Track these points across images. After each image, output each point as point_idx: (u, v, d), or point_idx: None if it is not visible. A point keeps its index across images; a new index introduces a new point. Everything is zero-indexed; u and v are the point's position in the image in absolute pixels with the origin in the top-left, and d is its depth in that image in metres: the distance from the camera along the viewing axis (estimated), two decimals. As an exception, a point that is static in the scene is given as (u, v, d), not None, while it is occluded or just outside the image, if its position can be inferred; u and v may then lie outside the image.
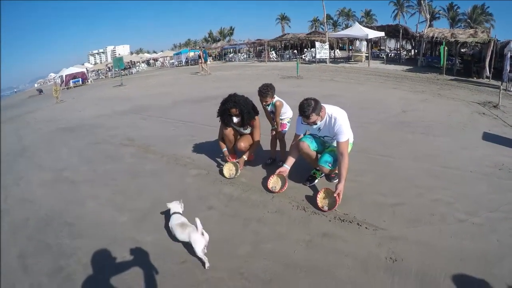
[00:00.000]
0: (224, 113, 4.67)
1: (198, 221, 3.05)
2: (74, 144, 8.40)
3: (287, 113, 4.90)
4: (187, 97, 13.33)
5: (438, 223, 3.37)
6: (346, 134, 3.64)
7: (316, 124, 3.75)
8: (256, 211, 3.87)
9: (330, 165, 3.85)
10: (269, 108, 4.84)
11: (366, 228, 3.32)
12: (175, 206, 3.68)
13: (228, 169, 4.82)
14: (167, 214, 3.89)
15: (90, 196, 4.96)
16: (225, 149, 5.01)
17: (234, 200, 4.21)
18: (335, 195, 3.56)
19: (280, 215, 3.72)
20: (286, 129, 5.00)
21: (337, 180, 3.76)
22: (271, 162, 5.11)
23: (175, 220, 3.41)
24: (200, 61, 26.03)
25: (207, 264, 2.99)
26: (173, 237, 3.43)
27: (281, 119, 4.87)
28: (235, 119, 4.66)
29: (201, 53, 26.27)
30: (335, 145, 3.75)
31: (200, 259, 3.04)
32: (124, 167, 5.98)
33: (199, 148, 6.23)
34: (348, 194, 3.87)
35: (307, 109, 3.57)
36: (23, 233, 4.33)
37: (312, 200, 3.89)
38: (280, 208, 3.86)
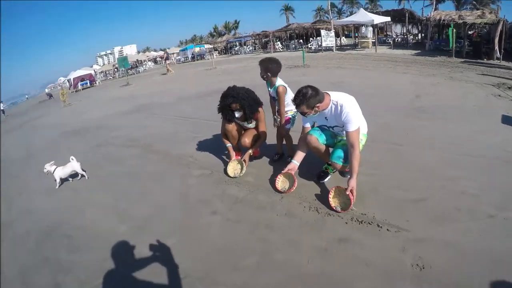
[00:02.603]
0: (224, 109, 4.30)
1: None
2: (78, 147, 8.16)
3: (291, 105, 4.44)
4: (191, 93, 13.01)
5: (466, 219, 2.94)
6: (355, 123, 3.18)
7: (305, 116, 3.35)
8: (264, 214, 3.46)
9: (343, 160, 3.43)
10: (270, 92, 4.39)
11: (387, 230, 2.88)
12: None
13: (233, 167, 4.47)
14: (169, 220, 3.68)
15: (91, 204, 4.69)
16: (229, 145, 4.65)
17: (239, 202, 3.83)
18: (347, 192, 3.15)
19: (291, 219, 3.28)
20: (290, 125, 4.50)
21: (349, 175, 3.33)
22: (278, 157, 4.71)
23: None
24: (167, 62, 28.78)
25: None
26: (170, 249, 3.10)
27: (286, 113, 4.36)
28: (237, 114, 4.30)
29: (166, 54, 27.66)
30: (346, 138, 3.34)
31: None
32: (126, 170, 5.69)
33: (202, 146, 5.90)
34: (364, 190, 3.45)
35: (298, 98, 3.17)
36: (24, 246, 4.10)
37: (325, 199, 3.42)
38: (290, 210, 3.43)
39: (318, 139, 3.57)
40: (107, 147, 7.50)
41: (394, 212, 3.11)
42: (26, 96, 66.22)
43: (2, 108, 34.80)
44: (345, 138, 3.42)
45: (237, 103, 4.17)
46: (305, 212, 3.36)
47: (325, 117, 3.45)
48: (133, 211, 4.16)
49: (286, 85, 4.24)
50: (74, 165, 5.40)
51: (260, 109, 4.37)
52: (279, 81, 4.22)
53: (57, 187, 5.28)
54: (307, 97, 3.14)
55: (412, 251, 2.62)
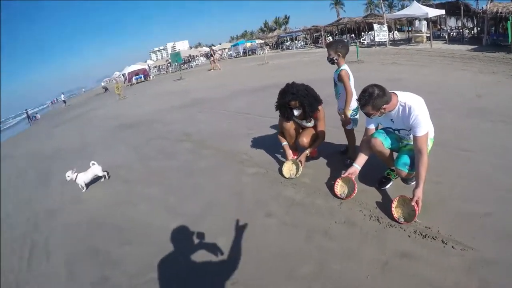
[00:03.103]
0: (283, 106, 4.16)
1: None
2: (132, 140, 8.54)
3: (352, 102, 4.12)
4: (244, 87, 13.07)
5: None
6: (424, 127, 2.91)
7: (370, 117, 3.11)
8: (322, 220, 3.28)
9: (409, 168, 3.15)
10: (334, 76, 4.17)
11: (452, 247, 2.57)
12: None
13: (288, 168, 4.31)
14: (222, 218, 3.60)
15: (143, 197, 4.80)
16: (285, 143, 4.49)
17: (296, 205, 3.66)
18: (413, 203, 2.89)
19: (350, 227, 3.07)
20: (352, 125, 4.24)
21: (414, 183, 3.05)
22: (346, 149, 4.53)
23: None
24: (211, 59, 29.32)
25: None
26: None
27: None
28: (296, 112, 4.13)
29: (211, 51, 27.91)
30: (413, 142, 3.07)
31: None
32: (179, 164, 5.77)
33: (256, 143, 5.79)
34: (428, 201, 3.10)
35: (363, 98, 2.94)
36: (74, 235, 4.30)
37: (386, 208, 3.18)
38: (349, 217, 3.21)
39: (383, 143, 3.31)
40: (160, 141, 7.71)
41: (459, 227, 2.77)
42: (83, 89, 70.74)
43: (63, 98, 38.43)
44: (410, 143, 3.24)
45: (296, 100, 4.02)
46: (365, 221, 3.12)
47: (391, 119, 3.19)
48: (185, 207, 4.17)
49: (349, 71, 4.03)
50: (95, 170, 5.63)
51: (320, 107, 4.17)
52: (344, 66, 4.03)
53: (83, 190, 5.51)
54: (374, 97, 2.90)
55: (479, 273, 2.28)
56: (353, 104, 4.02)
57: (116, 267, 3.33)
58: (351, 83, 3.99)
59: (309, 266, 2.70)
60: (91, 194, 5.42)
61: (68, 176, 5.33)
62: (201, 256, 3.16)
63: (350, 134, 4.31)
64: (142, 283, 3.00)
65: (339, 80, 3.99)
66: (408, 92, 3.13)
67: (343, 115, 4.11)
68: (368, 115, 3.08)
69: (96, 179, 5.71)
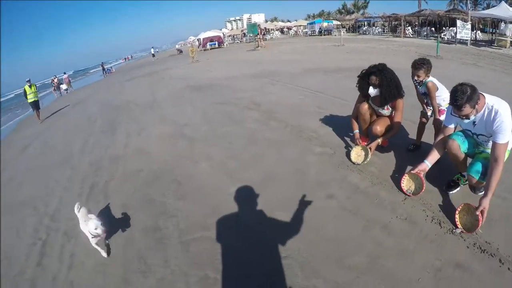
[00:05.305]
0: (363, 78, 3.96)
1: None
2: (200, 102, 8.69)
3: (444, 98, 3.88)
4: (318, 66, 12.63)
5: None
6: (507, 135, 2.68)
7: (468, 118, 2.77)
8: (383, 213, 3.08)
9: (480, 176, 2.83)
10: (420, 89, 3.90)
11: (508, 269, 2.34)
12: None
13: (357, 153, 4.10)
14: (280, 192, 3.48)
15: (204, 157, 4.84)
16: (356, 131, 4.27)
17: (359, 193, 3.45)
18: (477, 212, 2.67)
19: (410, 225, 2.89)
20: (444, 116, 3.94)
21: (483, 192, 2.79)
22: (414, 148, 4.18)
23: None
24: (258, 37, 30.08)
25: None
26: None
27: (439, 105, 3.88)
28: (372, 90, 3.86)
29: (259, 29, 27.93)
30: (490, 149, 2.75)
31: None
32: (244, 132, 5.73)
33: (326, 123, 5.54)
34: (493, 214, 2.82)
35: (460, 98, 2.66)
36: (133, 183, 4.47)
37: (450, 213, 2.96)
38: (411, 215, 3.01)
39: (460, 147, 3.05)
40: (228, 106, 7.74)
41: None
42: (157, 50, 73.54)
43: (152, 52, 45.76)
44: (487, 150, 3.06)
45: (377, 77, 3.79)
46: (427, 222, 2.91)
47: (474, 122, 2.88)
48: (245, 174, 4.11)
49: (435, 81, 3.81)
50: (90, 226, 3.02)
51: (400, 99, 3.88)
52: (429, 77, 3.80)
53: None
54: (469, 95, 2.66)
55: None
56: (448, 98, 3.74)
57: (169, 220, 3.40)
58: (441, 88, 3.82)
59: (360, 257, 2.60)
60: (155, 147, 5.58)
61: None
62: (254, 225, 3.10)
63: (437, 129, 3.99)
64: (190, 240, 3.03)
65: (428, 90, 3.79)
66: (495, 96, 2.86)
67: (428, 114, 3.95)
68: (466, 116, 2.80)
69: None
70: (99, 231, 2.84)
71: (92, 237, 2.92)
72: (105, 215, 3.61)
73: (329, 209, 3.21)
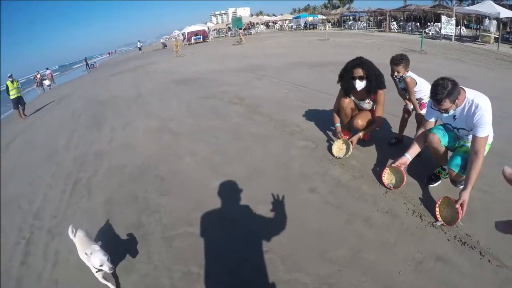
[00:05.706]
0: (346, 73, 3.96)
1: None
2: (185, 96, 8.66)
3: (425, 91, 3.95)
4: (302, 60, 12.68)
5: None
6: (486, 128, 2.74)
7: (447, 112, 2.87)
8: (365, 206, 3.13)
9: (460, 169, 2.91)
10: (400, 85, 4.00)
11: (488, 261, 2.41)
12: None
13: (338, 147, 4.15)
14: (264, 186, 3.49)
15: (188, 151, 4.84)
16: (338, 125, 4.32)
17: (341, 186, 3.51)
18: (457, 205, 2.73)
19: (391, 219, 2.94)
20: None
21: (463, 185, 2.86)
22: (396, 142, 4.25)
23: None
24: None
25: None
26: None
27: (420, 99, 3.98)
28: (358, 84, 3.89)
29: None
30: (470, 143, 2.86)
31: None
32: (229, 126, 5.73)
33: (309, 117, 5.59)
34: (474, 208, 2.91)
35: (441, 92, 2.73)
36: (117, 178, 4.44)
37: (430, 206, 3.03)
38: (392, 208, 3.07)
39: (441, 140, 3.11)
40: (213, 101, 7.73)
41: (499, 242, 2.52)
42: (141, 45, 73.03)
43: (139, 46, 46.01)
44: (467, 144, 3.12)
45: (363, 68, 3.83)
46: (408, 215, 2.97)
47: (454, 116, 2.96)
48: (229, 169, 4.12)
49: (414, 76, 3.89)
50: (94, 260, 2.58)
51: (381, 91, 3.93)
52: (408, 72, 3.89)
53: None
54: (449, 90, 2.72)
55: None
56: (428, 91, 3.82)
57: (152, 216, 3.39)
58: (420, 83, 3.90)
59: (343, 250, 2.64)
60: (140, 142, 5.55)
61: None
62: (236, 219, 3.13)
63: (419, 123, 4.07)
64: (173, 235, 3.04)
65: (406, 86, 3.89)
66: (475, 90, 2.91)
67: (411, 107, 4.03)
68: (445, 110, 2.86)
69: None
70: (106, 268, 2.33)
71: (96, 272, 2.47)
72: (107, 237, 3.20)
73: (312, 203, 3.25)
